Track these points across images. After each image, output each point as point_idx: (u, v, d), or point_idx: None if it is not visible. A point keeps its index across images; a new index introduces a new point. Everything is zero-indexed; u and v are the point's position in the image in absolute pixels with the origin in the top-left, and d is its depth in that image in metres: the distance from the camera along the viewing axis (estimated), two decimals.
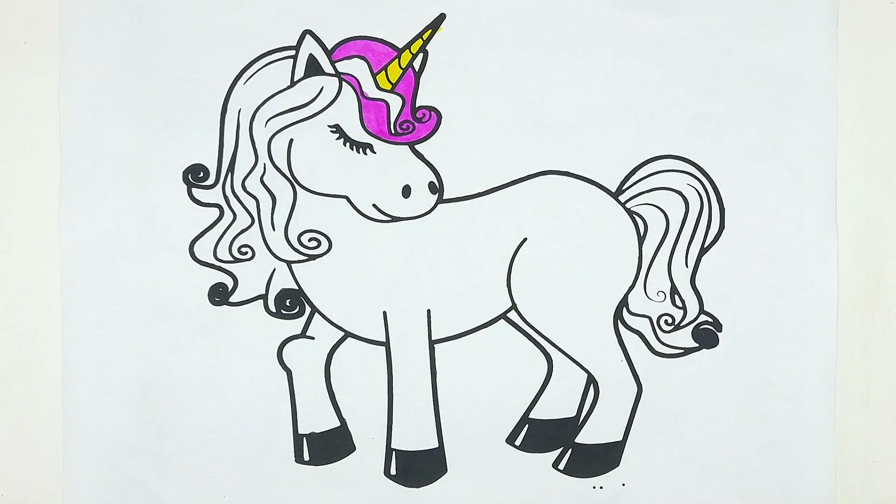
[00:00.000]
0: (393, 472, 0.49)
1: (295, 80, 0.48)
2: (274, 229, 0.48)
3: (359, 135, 0.48)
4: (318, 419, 0.49)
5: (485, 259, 0.49)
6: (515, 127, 0.48)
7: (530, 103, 0.48)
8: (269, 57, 0.48)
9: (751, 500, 0.48)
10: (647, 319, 0.49)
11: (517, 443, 0.49)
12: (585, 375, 0.49)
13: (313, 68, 0.48)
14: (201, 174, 0.48)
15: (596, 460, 0.49)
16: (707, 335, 0.49)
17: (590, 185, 0.48)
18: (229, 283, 0.48)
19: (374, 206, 0.48)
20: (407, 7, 0.48)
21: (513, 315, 0.49)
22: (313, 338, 0.49)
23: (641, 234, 0.49)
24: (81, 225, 0.48)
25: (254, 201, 0.48)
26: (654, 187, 0.48)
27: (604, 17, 0.47)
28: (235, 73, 0.48)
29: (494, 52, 0.47)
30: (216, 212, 0.48)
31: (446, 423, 0.49)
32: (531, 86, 0.48)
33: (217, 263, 0.48)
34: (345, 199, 0.48)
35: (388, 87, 0.47)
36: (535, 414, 0.49)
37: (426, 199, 0.48)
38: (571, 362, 0.49)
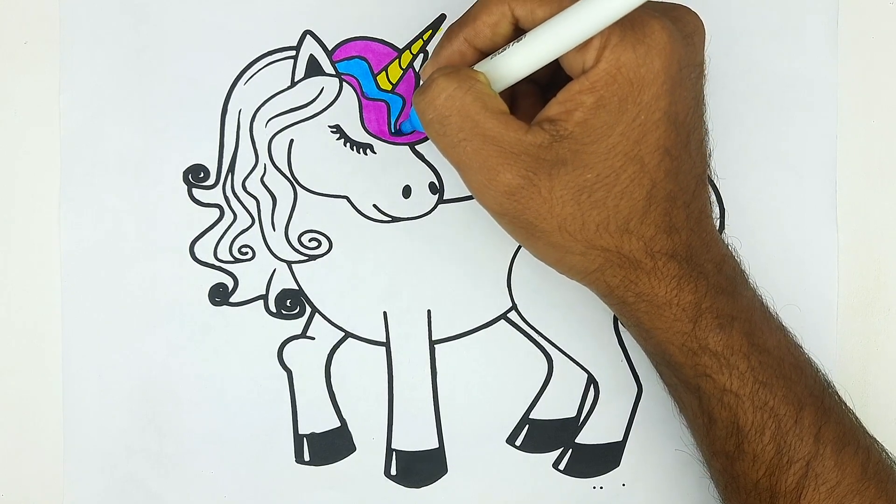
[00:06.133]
0: (393, 472, 0.49)
1: (295, 80, 0.48)
2: (274, 229, 0.48)
3: (359, 135, 0.48)
4: (318, 419, 0.49)
5: (485, 259, 0.49)
6: None
7: None
8: (269, 57, 0.48)
9: None
10: None
11: (517, 443, 0.49)
12: (586, 376, 0.49)
13: (314, 69, 0.48)
14: (201, 174, 0.48)
15: (596, 460, 0.49)
16: None
17: None
18: (230, 283, 0.48)
19: (375, 206, 0.48)
20: (407, 7, 0.48)
21: (513, 315, 0.49)
22: (314, 338, 0.49)
23: None
24: (81, 225, 0.48)
25: (254, 202, 0.48)
26: None
27: None
28: (236, 73, 0.48)
29: None
30: (216, 212, 0.48)
31: (446, 423, 0.49)
32: None
33: (217, 264, 0.48)
34: (345, 200, 0.48)
35: (389, 87, 0.47)
36: (535, 414, 0.49)
37: (426, 199, 0.48)
38: (572, 363, 0.49)
